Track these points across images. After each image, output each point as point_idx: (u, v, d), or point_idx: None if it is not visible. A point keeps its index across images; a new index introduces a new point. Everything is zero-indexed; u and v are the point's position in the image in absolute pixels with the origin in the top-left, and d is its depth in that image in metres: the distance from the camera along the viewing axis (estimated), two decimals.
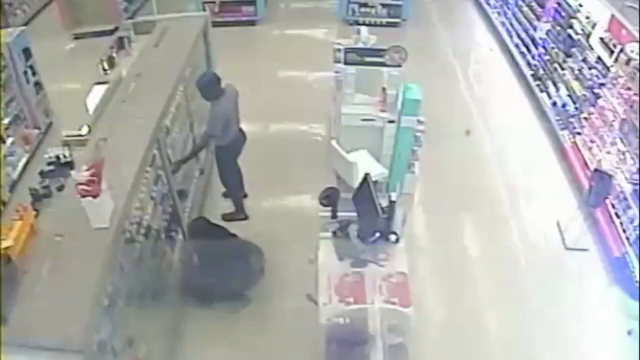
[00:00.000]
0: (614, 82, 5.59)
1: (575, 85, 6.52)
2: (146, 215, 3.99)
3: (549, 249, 5.38)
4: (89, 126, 5.71)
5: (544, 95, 7.32)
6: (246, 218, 5.60)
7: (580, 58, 6.44)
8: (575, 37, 6.61)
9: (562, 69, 6.90)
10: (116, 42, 6.74)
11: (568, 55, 6.77)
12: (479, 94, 7.95)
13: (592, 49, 6.15)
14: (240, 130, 5.27)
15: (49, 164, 5.94)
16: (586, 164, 5.91)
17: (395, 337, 3.49)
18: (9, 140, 6.12)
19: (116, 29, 8.69)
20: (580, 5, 6.55)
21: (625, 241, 5.01)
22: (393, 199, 3.82)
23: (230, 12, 9.71)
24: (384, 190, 5.40)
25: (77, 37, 9.41)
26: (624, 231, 5.07)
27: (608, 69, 5.73)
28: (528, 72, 7.94)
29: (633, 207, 4.97)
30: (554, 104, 6.99)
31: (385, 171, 5.57)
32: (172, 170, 4.72)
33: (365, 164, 5.36)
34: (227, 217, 5.52)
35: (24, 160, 6.28)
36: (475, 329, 4.62)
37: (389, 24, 9.68)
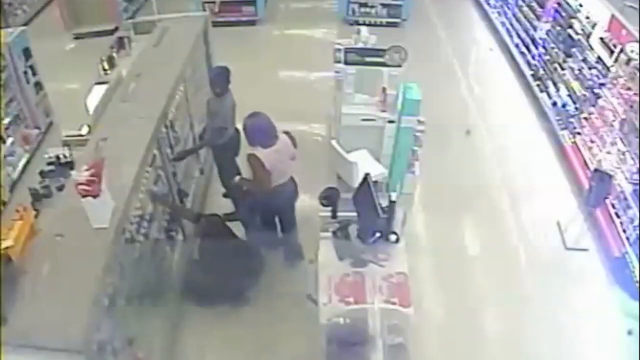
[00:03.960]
0: (614, 82, 5.58)
1: (575, 85, 6.52)
2: (146, 215, 4.00)
3: (549, 249, 5.37)
4: (89, 126, 5.71)
5: (544, 95, 7.31)
6: None
7: (580, 58, 6.44)
8: (575, 37, 6.61)
9: (562, 69, 6.90)
10: (116, 42, 6.76)
11: (568, 55, 6.77)
12: (479, 94, 7.95)
13: (592, 49, 6.15)
14: (237, 129, 5.29)
15: (49, 164, 5.93)
16: (586, 164, 5.91)
17: (395, 337, 3.50)
18: (9, 140, 6.12)
19: (116, 29, 8.74)
20: (580, 5, 6.55)
21: (625, 241, 5.00)
22: (393, 199, 3.82)
23: (230, 12, 9.71)
24: (384, 190, 5.39)
25: (77, 37, 9.42)
26: (624, 231, 5.06)
27: (608, 69, 5.73)
28: (528, 72, 7.94)
29: (633, 207, 4.97)
30: (554, 103, 6.99)
31: (385, 171, 5.57)
32: (174, 159, 4.80)
33: (365, 164, 5.36)
34: (227, 217, 5.51)
35: (24, 160, 6.27)
36: (475, 328, 4.62)
37: (389, 24, 9.69)
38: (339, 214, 4.10)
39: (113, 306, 3.28)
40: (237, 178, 4.61)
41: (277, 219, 4.86)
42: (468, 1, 10.98)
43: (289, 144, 4.48)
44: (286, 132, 4.50)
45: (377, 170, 5.43)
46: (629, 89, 5.30)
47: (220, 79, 4.97)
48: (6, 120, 6.12)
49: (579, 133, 6.24)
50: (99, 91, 5.91)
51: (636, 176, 4.96)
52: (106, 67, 6.47)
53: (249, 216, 4.88)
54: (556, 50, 7.13)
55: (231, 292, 4.69)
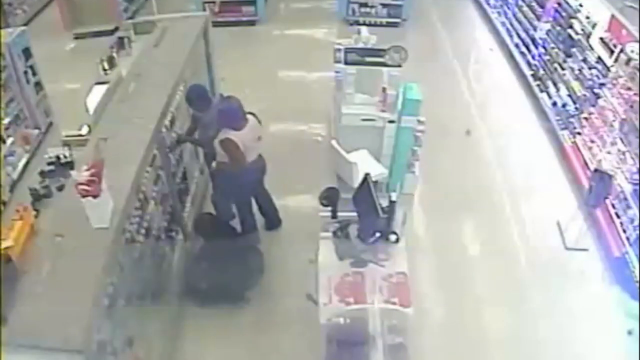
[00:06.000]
0: (614, 82, 5.58)
1: (575, 85, 6.52)
2: (146, 215, 4.00)
3: (549, 249, 5.37)
4: (89, 126, 5.72)
5: (544, 95, 7.31)
6: None
7: (581, 58, 6.44)
8: (575, 37, 6.61)
9: (562, 69, 6.90)
10: (116, 42, 6.76)
11: (568, 55, 6.77)
12: (479, 94, 7.95)
13: (592, 49, 6.15)
14: None
15: (49, 164, 5.95)
16: (586, 164, 5.90)
17: (395, 337, 3.50)
18: (9, 140, 6.12)
19: (116, 29, 8.74)
20: (580, 5, 6.54)
21: (625, 241, 5.00)
22: (393, 199, 3.82)
23: (230, 12, 9.71)
24: (384, 190, 5.40)
25: (77, 37, 9.42)
26: (624, 231, 5.06)
27: (608, 69, 5.73)
28: (528, 72, 7.93)
29: (633, 207, 4.97)
30: (554, 103, 6.99)
31: (385, 171, 5.57)
32: (177, 140, 4.85)
33: (365, 164, 5.36)
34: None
35: (24, 160, 6.27)
36: (475, 329, 4.62)
37: (389, 24, 9.69)
38: (339, 214, 4.10)
39: (113, 306, 3.28)
40: (214, 163, 4.74)
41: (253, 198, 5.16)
42: (468, 1, 10.97)
43: (257, 124, 4.69)
44: (250, 113, 4.67)
45: (377, 170, 5.43)
46: (629, 89, 5.30)
47: (195, 97, 4.86)
48: (6, 120, 6.12)
49: (579, 133, 6.24)
50: (99, 91, 5.91)
51: (636, 176, 4.96)
52: (106, 67, 6.47)
53: (231, 198, 5.08)
54: (556, 50, 7.13)
55: (231, 292, 4.69)
